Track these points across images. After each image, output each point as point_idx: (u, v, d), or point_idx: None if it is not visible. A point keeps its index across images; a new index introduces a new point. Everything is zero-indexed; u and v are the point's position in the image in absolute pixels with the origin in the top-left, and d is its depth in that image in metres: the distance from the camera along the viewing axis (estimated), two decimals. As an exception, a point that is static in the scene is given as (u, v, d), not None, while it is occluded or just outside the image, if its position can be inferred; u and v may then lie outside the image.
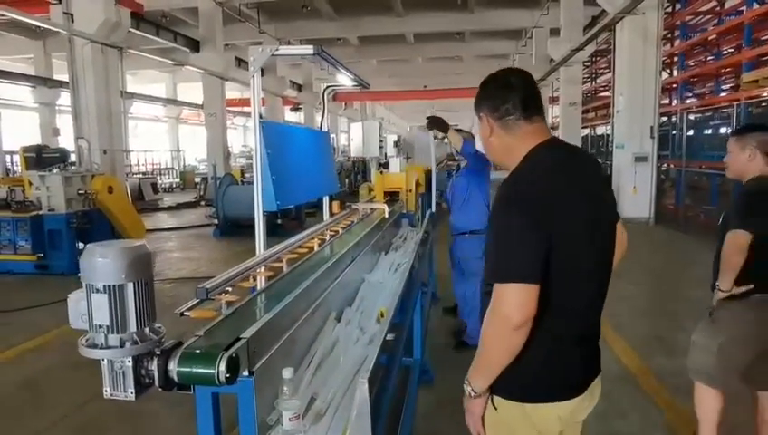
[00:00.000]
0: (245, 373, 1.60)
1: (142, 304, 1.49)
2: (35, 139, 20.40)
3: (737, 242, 2.54)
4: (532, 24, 19.12)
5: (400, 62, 28.47)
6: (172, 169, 30.32)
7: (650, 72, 11.56)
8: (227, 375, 1.45)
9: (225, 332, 1.69)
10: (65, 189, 7.42)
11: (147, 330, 1.50)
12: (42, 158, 7.76)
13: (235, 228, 10.98)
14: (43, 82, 20.12)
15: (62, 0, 11.95)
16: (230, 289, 2.14)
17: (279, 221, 9.99)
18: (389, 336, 3.10)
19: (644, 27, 11.40)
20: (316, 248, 3.22)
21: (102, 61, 12.54)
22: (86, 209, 7.73)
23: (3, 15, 12.81)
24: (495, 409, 1.58)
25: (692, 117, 12.56)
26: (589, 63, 20.76)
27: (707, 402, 2.80)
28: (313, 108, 27.66)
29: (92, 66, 12.26)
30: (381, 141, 7.01)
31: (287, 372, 1.65)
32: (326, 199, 4.32)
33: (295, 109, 29.60)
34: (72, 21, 11.98)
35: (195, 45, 18.49)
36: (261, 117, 2.78)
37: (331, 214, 4.37)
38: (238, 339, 1.60)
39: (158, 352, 1.50)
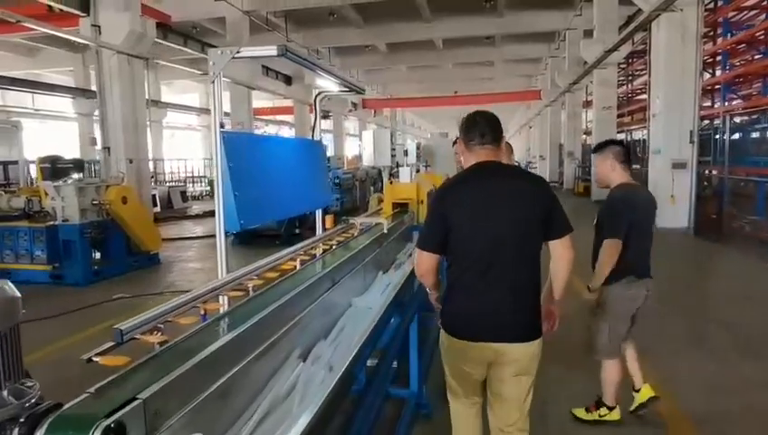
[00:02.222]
0: (141, 443, 1.31)
1: (3, 361, 1.22)
2: (76, 148, 20.98)
3: (611, 252, 3.10)
4: (564, 25, 18.54)
5: (430, 68, 28.16)
6: (204, 177, 30.68)
7: (690, 72, 10.93)
8: (102, 451, 1.17)
9: (125, 388, 1.40)
10: (79, 200, 7.39)
11: (5, 393, 1.23)
12: (57, 168, 7.76)
13: (253, 237, 10.83)
14: (81, 93, 20.63)
15: (91, 13, 12.13)
16: (162, 326, 1.87)
17: (297, 231, 9.78)
18: (370, 362, 2.80)
19: (682, 24, 10.79)
20: (293, 270, 2.92)
21: (129, 71, 12.62)
22: (100, 220, 7.68)
23: (35, 30, 13.19)
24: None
25: (736, 120, 11.84)
26: (624, 65, 20.00)
27: (614, 374, 3.37)
28: (342, 115, 27.58)
29: (119, 77, 12.35)
30: (393, 149, 6.70)
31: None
32: (318, 214, 4.03)
33: (325, 117, 29.60)
34: (100, 33, 12.13)
35: (222, 55, 18.60)
36: (222, 126, 2.51)
37: (324, 229, 4.08)
38: (133, 399, 1.32)
39: (22, 419, 1.22)
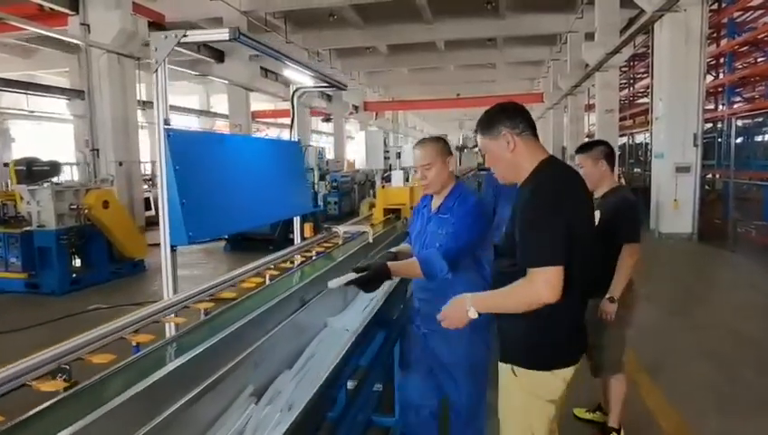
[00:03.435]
0: None
1: None
2: (72, 150, 20.67)
3: (634, 258, 3.01)
4: (566, 28, 18.25)
5: (432, 71, 27.88)
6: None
7: (693, 74, 10.60)
8: None
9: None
10: (56, 204, 7.09)
11: None
12: (33, 171, 7.45)
13: (245, 242, 10.52)
14: (75, 94, 20.32)
15: (80, 11, 11.87)
16: (67, 366, 1.54)
17: (292, 235, 9.44)
18: (350, 384, 2.47)
19: (686, 25, 10.46)
20: (257, 287, 2.59)
21: (119, 71, 12.36)
22: (79, 225, 7.36)
23: (27, 30, 12.93)
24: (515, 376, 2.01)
25: (741, 123, 11.50)
26: (626, 68, 19.69)
27: (620, 389, 3.21)
28: (343, 118, 27.28)
29: (108, 76, 12.09)
30: (387, 152, 6.39)
31: None
32: (296, 222, 3.70)
33: (327, 119, 29.27)
34: (89, 32, 11.86)
35: (219, 56, 18.37)
36: (167, 123, 2.19)
37: (303, 238, 3.75)
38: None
39: None
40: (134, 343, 1.85)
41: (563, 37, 20.02)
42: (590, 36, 16.39)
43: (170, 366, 1.70)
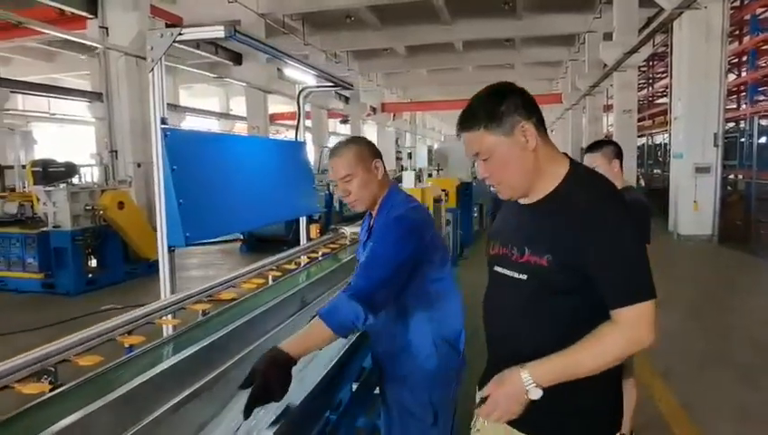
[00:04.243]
0: None
1: None
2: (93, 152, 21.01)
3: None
4: (584, 28, 18.07)
5: (450, 71, 27.81)
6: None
7: (714, 72, 10.38)
8: None
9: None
10: (71, 205, 7.19)
11: None
12: (49, 172, 7.56)
13: (261, 244, 10.56)
14: (96, 97, 20.66)
15: (98, 14, 12.05)
16: (53, 368, 1.53)
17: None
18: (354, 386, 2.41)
19: (706, 23, 10.26)
20: (259, 288, 2.57)
21: (137, 73, 12.51)
22: (94, 226, 7.45)
23: (47, 34, 13.17)
24: None
25: (765, 122, 11.23)
26: (645, 68, 19.40)
27: (631, 394, 2.91)
28: (360, 120, 27.29)
29: (126, 79, 12.25)
30: (399, 153, 6.34)
31: None
32: (302, 222, 3.69)
33: (344, 121, 29.30)
34: (107, 34, 12.04)
35: (237, 58, 18.53)
36: (164, 122, 2.18)
37: (309, 239, 3.74)
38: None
39: None
40: (126, 345, 1.84)
41: (581, 37, 19.83)
42: (608, 36, 16.21)
43: (162, 367, 1.69)
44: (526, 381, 1.35)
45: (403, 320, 1.95)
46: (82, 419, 1.33)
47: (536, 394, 1.35)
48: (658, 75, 19.91)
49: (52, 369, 1.53)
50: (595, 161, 3.04)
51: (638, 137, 18.70)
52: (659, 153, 18.08)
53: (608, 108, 21.66)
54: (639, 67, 17.50)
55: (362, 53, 23.37)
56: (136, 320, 1.91)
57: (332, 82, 3.60)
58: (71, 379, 1.54)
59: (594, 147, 3.14)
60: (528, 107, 1.42)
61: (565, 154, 1.51)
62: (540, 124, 1.43)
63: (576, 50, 21.47)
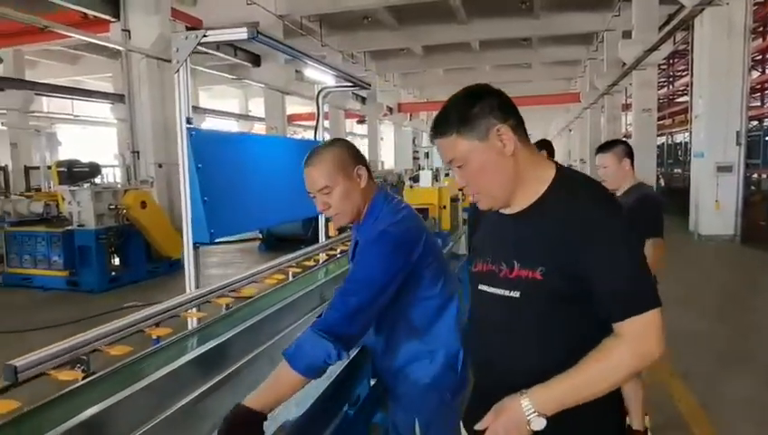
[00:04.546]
0: None
1: None
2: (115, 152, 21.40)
3: (659, 251, 2.89)
4: (602, 26, 17.94)
5: (467, 71, 27.72)
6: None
7: (736, 70, 10.24)
8: None
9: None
10: (95, 205, 7.34)
11: None
12: (73, 172, 7.75)
13: (279, 243, 10.68)
14: (118, 98, 21.02)
15: (121, 17, 12.27)
16: (85, 357, 1.60)
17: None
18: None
19: (728, 19, 10.12)
20: (279, 284, 2.64)
21: (158, 75, 12.71)
22: (118, 225, 7.61)
23: (71, 37, 13.44)
24: None
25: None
26: (665, 66, 19.18)
27: (640, 388, 3.00)
28: (377, 120, 27.35)
29: (148, 80, 12.46)
30: (416, 152, 6.38)
31: None
32: (321, 220, 3.74)
33: (361, 121, 29.39)
34: (130, 37, 12.25)
35: (256, 60, 18.73)
36: (189, 122, 2.25)
37: (327, 237, 3.79)
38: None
39: None
40: (154, 336, 1.90)
41: (600, 36, 19.68)
42: (627, 34, 16.07)
43: (188, 358, 1.75)
44: (527, 410, 1.23)
45: (394, 340, 1.82)
46: (112, 405, 1.39)
47: (539, 424, 1.22)
48: (679, 73, 19.70)
49: (85, 358, 1.60)
50: (606, 161, 3.08)
51: (658, 136, 18.51)
52: (680, 152, 17.88)
53: (627, 107, 21.48)
54: (659, 65, 17.32)
55: (379, 53, 23.43)
56: (163, 312, 1.98)
57: (351, 82, 3.66)
58: (102, 368, 1.60)
59: (604, 147, 3.17)
60: (505, 109, 1.30)
61: (550, 159, 1.40)
62: (518, 127, 1.32)
63: (594, 48, 21.30)
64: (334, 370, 1.85)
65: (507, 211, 1.35)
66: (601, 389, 1.23)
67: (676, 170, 18.20)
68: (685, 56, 17.14)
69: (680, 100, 20.13)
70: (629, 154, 3.08)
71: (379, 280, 1.61)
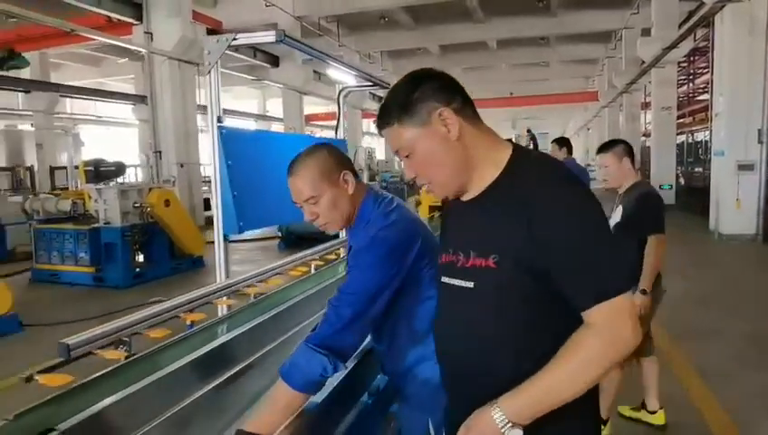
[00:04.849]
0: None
1: None
2: (137, 153, 21.78)
3: (661, 248, 2.98)
4: (621, 25, 17.84)
5: (484, 70, 27.72)
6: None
7: (758, 67, 10.12)
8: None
9: (49, 415, 1.25)
10: (121, 202, 7.53)
11: None
12: (100, 171, 7.97)
13: (298, 241, 10.81)
14: (140, 99, 21.42)
15: (143, 20, 12.53)
16: (129, 339, 1.72)
17: (339, 235, 9.68)
18: None
19: (750, 16, 10.01)
20: (303, 276, 2.75)
21: (180, 77, 12.97)
22: (142, 223, 7.80)
23: (95, 40, 13.76)
24: None
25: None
26: (685, 64, 18.98)
27: (615, 383, 3.08)
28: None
29: (170, 82, 12.72)
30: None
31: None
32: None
33: (378, 120, 29.50)
34: (152, 39, 12.50)
35: (274, 61, 18.96)
36: (220, 121, 2.36)
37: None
38: (49, 431, 1.16)
39: None
40: (188, 321, 2.02)
41: (618, 34, 19.55)
42: (646, 32, 15.95)
43: (219, 342, 1.86)
44: (500, 422, 1.10)
45: (398, 343, 1.74)
46: (152, 383, 1.50)
47: None
48: (700, 71, 19.47)
49: (127, 339, 1.72)
50: (606, 161, 3.17)
51: (678, 134, 18.32)
52: (700, 151, 17.69)
53: (646, 105, 21.30)
54: (680, 63, 17.16)
55: (396, 52, 23.52)
56: (196, 299, 2.10)
57: (371, 81, 3.75)
58: (142, 349, 1.72)
59: (604, 147, 3.25)
60: (447, 90, 1.20)
61: (509, 140, 1.28)
62: (465, 108, 1.21)
63: (613, 46, 21.17)
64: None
65: (466, 197, 1.25)
66: (579, 388, 1.10)
67: (696, 169, 18.00)
68: (705, 53, 16.94)
69: (701, 98, 19.89)
70: (629, 153, 3.17)
71: (372, 288, 1.55)
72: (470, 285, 1.19)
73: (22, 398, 1.36)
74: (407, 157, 1.23)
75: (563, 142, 6.23)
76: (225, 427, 1.64)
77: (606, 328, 1.08)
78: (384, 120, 1.23)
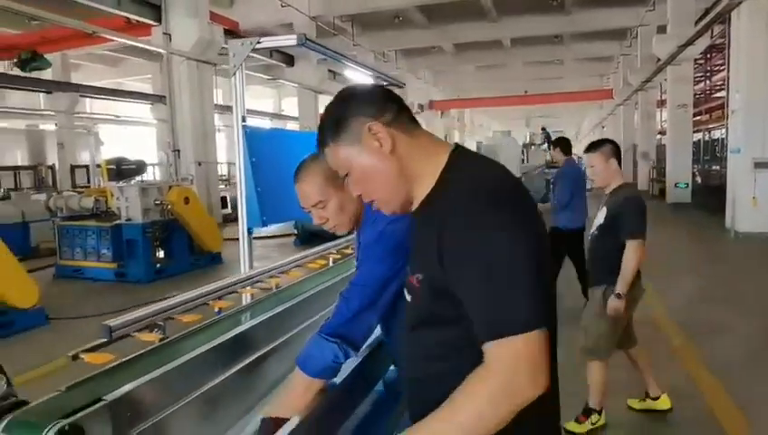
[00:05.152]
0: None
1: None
2: (155, 152, 22.11)
3: (640, 252, 3.02)
4: (636, 22, 17.72)
5: (498, 68, 27.67)
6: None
7: (775, 64, 10.09)
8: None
9: (96, 387, 1.37)
10: (142, 200, 7.71)
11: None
12: (122, 169, 8.18)
13: (313, 237, 10.96)
14: (158, 99, 21.74)
15: (162, 21, 12.73)
16: (164, 323, 1.84)
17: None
18: None
19: (766, 12, 9.97)
20: (322, 268, 2.86)
21: (197, 76, 13.15)
22: (163, 220, 7.98)
23: (114, 41, 14.03)
24: None
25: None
26: (702, 61, 18.83)
27: (601, 374, 3.23)
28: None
29: (188, 82, 12.90)
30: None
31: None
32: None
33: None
34: (171, 40, 12.70)
35: (290, 60, 19.13)
36: (244, 120, 2.49)
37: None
38: (98, 400, 1.29)
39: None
40: (216, 308, 2.15)
41: (633, 31, 19.43)
42: (662, 29, 15.86)
43: (245, 327, 1.98)
44: None
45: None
46: (184, 363, 1.63)
47: None
48: (717, 68, 19.30)
49: (162, 324, 1.85)
50: (593, 161, 3.23)
51: (694, 132, 18.18)
52: (717, 148, 17.54)
53: (661, 103, 21.15)
54: (696, 60, 17.03)
55: (410, 51, 23.57)
56: (224, 288, 2.23)
57: (385, 81, 3.85)
58: (175, 332, 1.85)
59: (591, 147, 3.30)
60: (377, 103, 1.16)
61: (457, 145, 1.22)
62: (398, 119, 1.17)
63: (628, 44, 21.04)
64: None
65: (413, 210, 1.21)
66: (485, 430, 0.97)
67: (713, 167, 17.85)
68: (722, 50, 16.79)
69: (717, 95, 19.70)
70: (616, 154, 3.22)
71: (381, 279, 1.59)
72: (408, 298, 1.22)
73: (69, 374, 1.49)
74: (346, 176, 1.20)
75: (558, 142, 6.21)
76: (250, 405, 1.76)
77: (500, 372, 0.97)
78: (320, 140, 1.20)
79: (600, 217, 3.20)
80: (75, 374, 1.45)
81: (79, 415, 1.22)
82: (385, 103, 1.17)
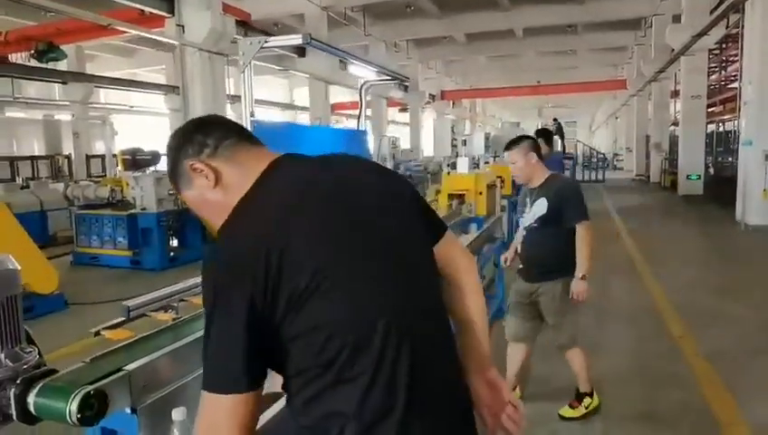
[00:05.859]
0: (128, 410, 1.43)
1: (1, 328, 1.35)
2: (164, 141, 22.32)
3: (591, 234, 3.13)
4: (650, 11, 17.56)
5: (510, 58, 27.53)
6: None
7: (788, 55, 10.01)
8: (79, 416, 1.26)
9: (117, 360, 1.51)
10: (156, 190, 7.88)
11: (2, 356, 1.35)
12: (137, 159, 8.36)
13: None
14: (171, 90, 21.95)
15: (175, 13, 12.87)
16: (177, 304, 1.98)
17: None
18: None
19: (781, 2, 9.90)
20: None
21: (210, 68, 13.29)
22: (176, 209, 8.16)
23: (128, 32, 14.20)
24: None
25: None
26: (717, 51, 18.63)
27: (582, 358, 3.35)
28: (419, 108, 27.51)
29: (200, 73, 13.04)
30: (454, 140, 6.63)
31: (178, 413, 1.43)
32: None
33: (403, 110, 29.59)
34: (183, 32, 12.85)
35: (301, 51, 19.18)
36: (252, 115, 2.61)
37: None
38: (119, 370, 1.42)
39: (18, 380, 1.35)
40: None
41: (648, 21, 19.26)
42: (676, 19, 15.73)
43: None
44: None
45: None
46: (195, 340, 1.76)
47: None
48: (732, 58, 19.07)
49: (175, 305, 1.99)
50: (513, 157, 3.26)
51: (709, 123, 18.04)
52: (731, 140, 17.41)
53: (675, 93, 20.98)
54: (711, 50, 16.87)
55: (422, 41, 23.53)
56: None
57: (391, 76, 3.95)
58: (187, 313, 1.99)
59: (510, 144, 3.32)
60: (197, 141, 1.17)
61: (289, 155, 1.27)
62: (224, 145, 1.17)
63: (642, 34, 20.84)
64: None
65: None
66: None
67: (727, 159, 17.71)
68: (737, 41, 16.62)
69: (732, 86, 19.49)
70: (534, 148, 3.26)
71: None
72: None
73: (92, 352, 1.63)
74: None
75: (540, 134, 6.06)
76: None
77: (199, 418, 1.03)
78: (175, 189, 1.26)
79: (536, 210, 3.20)
80: (97, 351, 1.59)
81: (102, 382, 1.36)
82: (205, 137, 1.17)
